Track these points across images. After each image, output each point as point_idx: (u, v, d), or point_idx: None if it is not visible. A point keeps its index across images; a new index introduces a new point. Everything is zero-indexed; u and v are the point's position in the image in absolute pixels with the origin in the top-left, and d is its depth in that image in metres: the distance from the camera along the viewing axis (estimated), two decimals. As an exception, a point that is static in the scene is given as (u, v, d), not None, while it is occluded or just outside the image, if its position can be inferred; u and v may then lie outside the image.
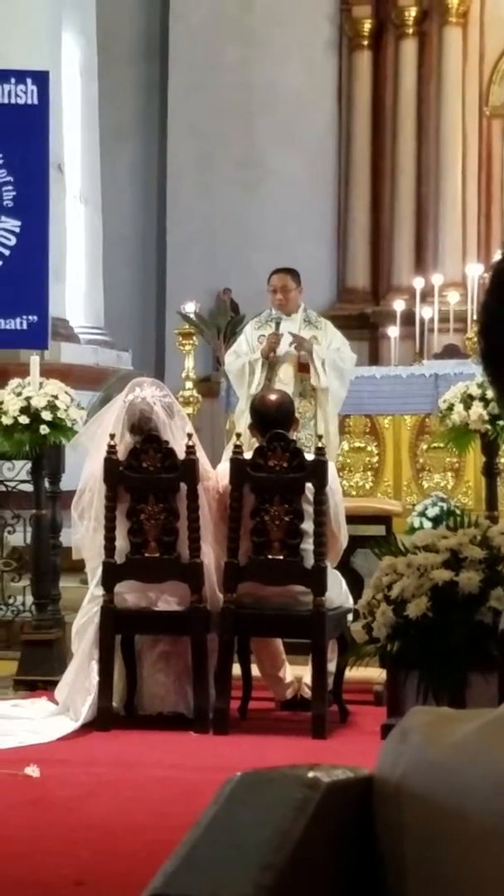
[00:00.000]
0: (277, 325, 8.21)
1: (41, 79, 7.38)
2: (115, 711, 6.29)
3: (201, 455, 6.31)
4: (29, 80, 7.32)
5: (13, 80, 7.31)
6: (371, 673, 6.03)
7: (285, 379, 8.16)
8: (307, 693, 6.32)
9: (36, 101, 7.28)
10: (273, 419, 6.26)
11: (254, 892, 0.90)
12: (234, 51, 16.27)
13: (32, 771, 5.29)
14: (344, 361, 8.31)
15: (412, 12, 15.87)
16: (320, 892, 0.98)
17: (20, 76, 7.38)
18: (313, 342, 8.16)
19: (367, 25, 16.11)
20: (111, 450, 6.18)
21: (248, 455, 6.16)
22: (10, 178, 7.21)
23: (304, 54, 16.27)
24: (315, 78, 16.29)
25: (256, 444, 6.24)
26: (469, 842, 0.99)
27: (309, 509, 6.07)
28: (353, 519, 6.65)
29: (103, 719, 6.16)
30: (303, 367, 8.21)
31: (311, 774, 1.02)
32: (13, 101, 7.27)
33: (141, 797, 5.05)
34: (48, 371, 7.66)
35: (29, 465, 7.24)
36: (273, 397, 6.55)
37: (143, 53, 16.68)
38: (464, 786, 1.00)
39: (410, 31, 15.93)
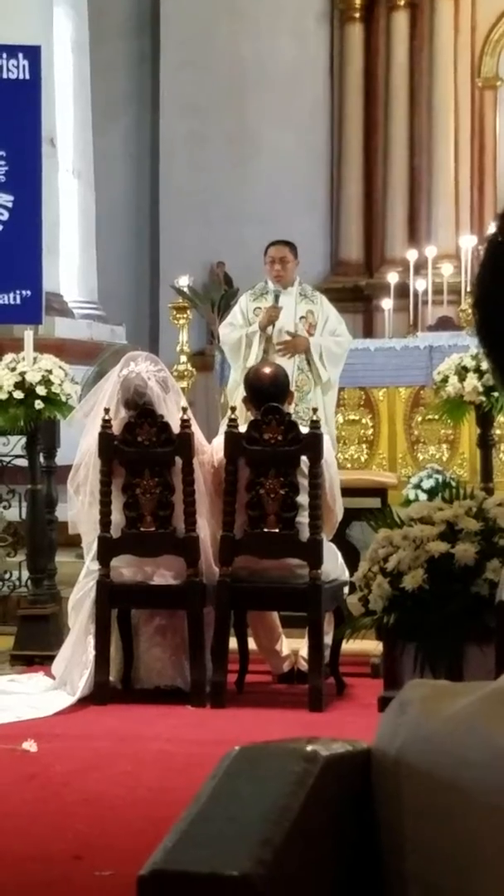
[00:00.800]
0: (276, 298, 8.19)
1: (33, 53, 7.34)
2: (111, 686, 6.30)
3: (196, 429, 6.31)
4: (20, 55, 7.28)
5: (5, 56, 7.27)
6: (368, 645, 6.04)
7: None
8: (304, 666, 6.33)
9: (28, 76, 7.25)
10: (268, 392, 6.25)
11: (253, 866, 0.91)
12: (226, 25, 16.20)
13: (30, 746, 5.30)
14: (339, 345, 8.28)
15: (404, -17, 15.81)
16: (319, 866, 0.98)
17: (11, 51, 7.34)
18: (308, 341, 8.10)
19: (358, -3, 16.05)
20: (106, 424, 6.18)
21: (242, 428, 6.16)
22: (2, 153, 7.18)
23: (295, 28, 16.21)
24: (307, 51, 16.23)
25: (251, 418, 6.23)
26: (468, 814, 0.99)
27: (304, 482, 6.08)
28: (348, 492, 6.65)
29: (100, 694, 6.17)
30: (288, 347, 8.17)
31: (309, 748, 1.02)
32: (5, 76, 7.23)
33: (138, 771, 5.06)
34: (42, 346, 7.65)
35: (24, 440, 7.23)
36: (267, 370, 6.54)
37: (135, 28, 16.61)
38: (462, 758, 1.00)
39: (402, 2, 15.87)
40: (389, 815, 1.03)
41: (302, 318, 8.23)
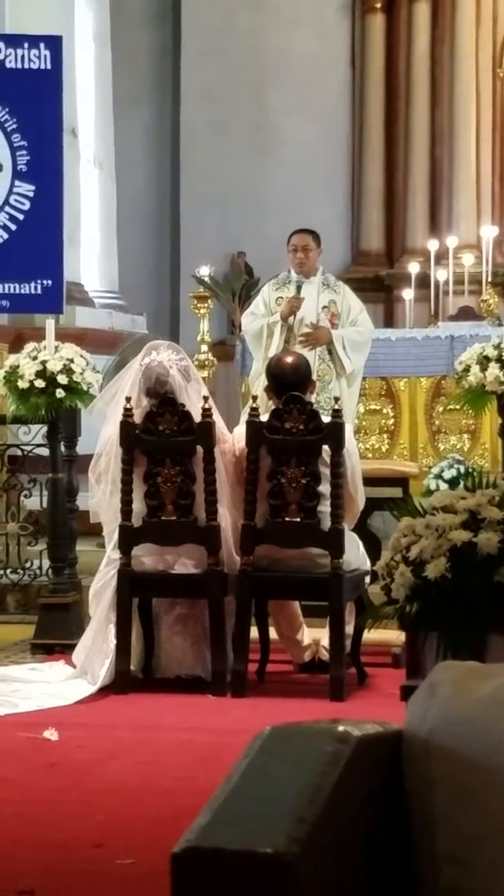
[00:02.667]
0: (298, 288, 8.18)
1: (54, 43, 7.34)
2: (132, 675, 6.30)
3: (217, 418, 6.30)
4: (42, 45, 7.28)
5: (26, 45, 7.27)
6: (389, 635, 6.02)
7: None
8: (325, 655, 6.32)
9: (49, 66, 7.24)
10: (289, 382, 6.24)
11: (287, 844, 0.90)
12: (247, 15, 16.17)
13: (51, 734, 5.31)
14: (361, 334, 8.28)
15: (425, -26, 15.77)
16: (352, 845, 0.98)
17: (33, 41, 7.34)
18: (330, 333, 8.10)
19: (379, -12, 16.01)
20: (127, 413, 6.18)
21: (264, 417, 6.15)
22: (24, 143, 7.18)
23: (316, 18, 16.18)
24: (328, 42, 16.20)
25: (273, 407, 6.22)
26: (498, 794, 0.99)
27: (326, 472, 6.07)
28: (369, 481, 6.64)
29: (121, 682, 6.17)
30: (310, 339, 8.16)
31: (341, 728, 1.01)
32: (27, 66, 7.23)
33: (159, 760, 5.06)
34: (63, 335, 7.65)
35: (45, 429, 7.23)
36: (289, 359, 6.53)
37: (156, 18, 16.60)
38: (493, 739, 1.00)
39: (424, -8, 15.82)
40: (421, 794, 1.03)
41: (324, 307, 8.23)
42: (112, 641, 6.23)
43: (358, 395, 8.61)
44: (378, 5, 16.06)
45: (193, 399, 6.28)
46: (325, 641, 6.27)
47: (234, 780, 0.98)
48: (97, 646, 6.29)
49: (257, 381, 7.97)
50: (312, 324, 8.11)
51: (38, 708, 5.85)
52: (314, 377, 6.80)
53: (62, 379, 6.93)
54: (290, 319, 8.14)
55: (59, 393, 6.93)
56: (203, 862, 0.91)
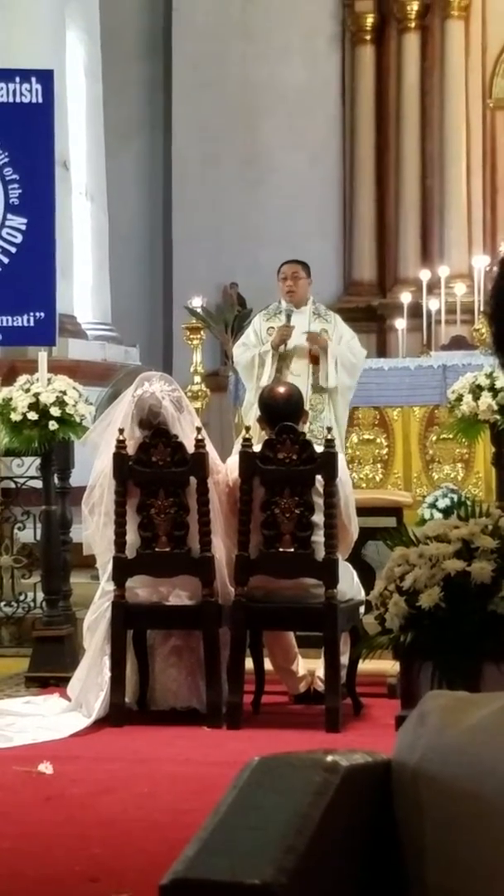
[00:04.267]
0: (288, 317, 8.22)
1: (45, 77, 7.38)
2: (127, 707, 6.28)
3: (210, 449, 6.30)
4: (33, 79, 7.32)
5: (18, 80, 7.31)
6: (384, 665, 6.01)
7: (297, 371, 8.17)
8: (320, 686, 6.31)
9: (40, 100, 7.28)
10: (282, 412, 6.25)
11: (275, 874, 0.90)
12: (237, 47, 16.26)
13: (46, 768, 5.29)
14: (355, 356, 8.35)
15: (414, 6, 15.87)
16: (341, 875, 0.98)
17: (25, 75, 7.38)
18: (327, 340, 8.17)
19: (369, 20, 16.10)
20: (120, 445, 6.18)
21: (257, 448, 6.16)
22: (16, 176, 7.21)
23: (306, 50, 16.26)
24: (318, 73, 16.29)
25: (265, 437, 6.23)
26: (488, 823, 0.99)
27: (319, 501, 6.06)
28: (363, 511, 6.64)
29: (116, 715, 6.15)
30: (315, 360, 8.23)
31: (329, 758, 1.01)
32: (18, 99, 7.27)
33: (155, 793, 5.04)
34: (56, 367, 7.66)
35: (38, 461, 7.24)
36: (282, 390, 6.54)
37: (147, 51, 16.68)
38: (482, 768, 0.99)
39: (413, 24, 15.91)
40: (410, 824, 1.02)
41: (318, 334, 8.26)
42: (107, 674, 6.21)
43: (347, 416, 8.61)
44: (367, 37, 16.15)
45: (186, 430, 6.29)
46: (321, 672, 6.26)
47: (222, 810, 0.98)
48: (92, 678, 6.28)
49: (250, 412, 7.99)
50: (308, 332, 8.16)
51: (32, 741, 5.83)
52: (306, 407, 6.81)
53: (55, 411, 6.93)
54: (281, 348, 8.17)
55: (53, 425, 6.93)
56: (191, 893, 0.91)
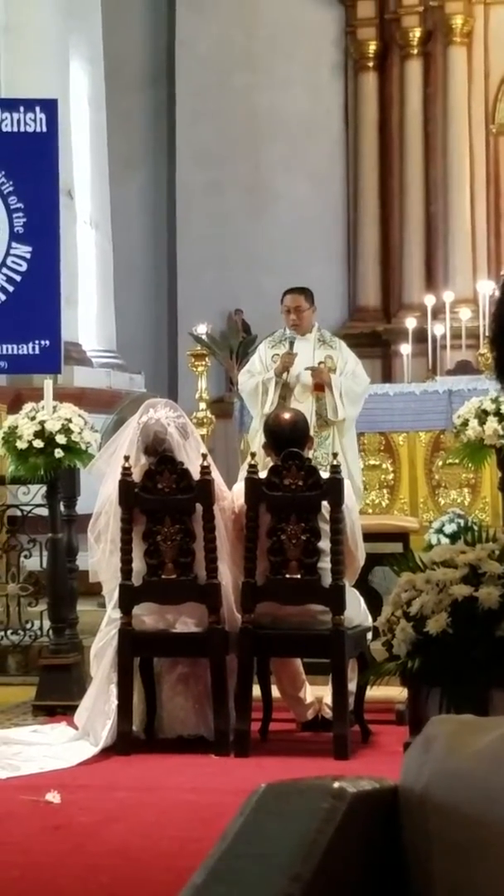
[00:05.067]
0: (291, 344, 8.23)
1: (50, 107, 7.40)
2: (134, 735, 6.26)
3: (216, 475, 6.30)
4: (37, 109, 7.34)
5: (22, 109, 7.34)
6: (392, 692, 6.00)
7: (301, 398, 8.18)
8: (328, 713, 6.28)
9: (45, 129, 7.31)
10: (287, 438, 6.25)
11: (282, 902, 0.90)
12: (240, 76, 16.33)
13: (53, 797, 5.27)
14: (359, 384, 8.35)
15: (416, 33, 15.94)
16: (348, 903, 0.97)
17: (29, 105, 7.41)
18: (330, 375, 8.18)
19: (371, 47, 16.18)
20: (126, 472, 6.18)
21: (263, 474, 6.15)
22: (20, 205, 7.23)
23: (309, 78, 16.34)
24: (321, 100, 16.35)
25: (271, 464, 6.22)
26: (495, 849, 0.98)
27: (325, 528, 6.05)
28: (369, 537, 6.63)
29: (123, 743, 6.13)
30: (318, 387, 8.23)
31: (336, 785, 1.01)
32: (22, 129, 7.29)
33: (163, 822, 5.02)
34: (61, 395, 7.66)
35: (44, 488, 7.23)
36: (287, 416, 6.54)
37: (150, 80, 16.75)
38: (489, 793, 0.99)
39: (415, 51, 15.99)
40: (417, 850, 1.02)
41: (320, 363, 8.27)
42: (114, 702, 6.19)
43: (355, 447, 8.62)
44: (370, 64, 16.21)
45: (192, 456, 6.28)
46: (328, 699, 6.24)
47: (229, 838, 0.97)
48: (99, 707, 6.26)
49: (256, 438, 7.99)
50: (311, 368, 8.17)
51: (39, 770, 5.81)
52: (311, 433, 6.81)
53: (61, 439, 6.93)
54: (285, 375, 8.19)
55: (58, 453, 6.93)
56: (197, 922, 0.91)
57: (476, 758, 1.01)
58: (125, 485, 6.17)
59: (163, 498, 6.17)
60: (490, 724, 1.07)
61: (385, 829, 1.04)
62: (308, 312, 8.37)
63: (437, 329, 13.76)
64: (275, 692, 6.48)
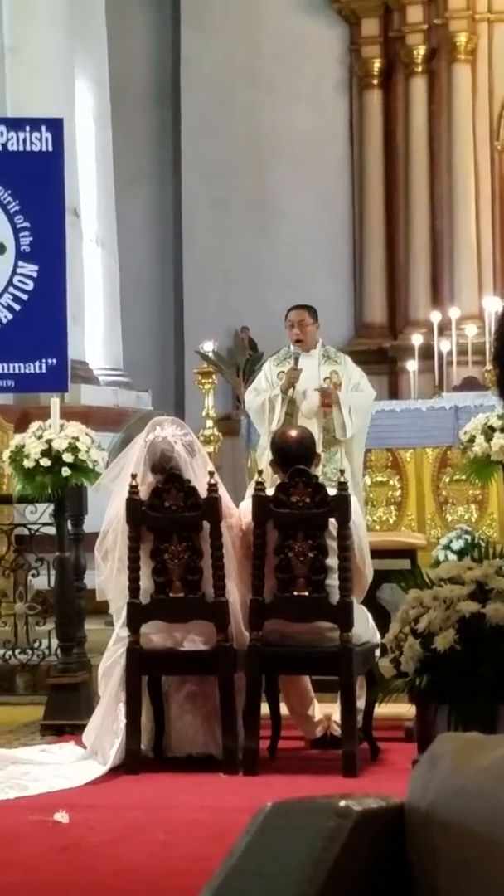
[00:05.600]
0: (296, 360, 8.25)
1: (55, 126, 7.43)
2: (143, 754, 6.25)
3: (223, 493, 6.30)
4: (43, 128, 7.37)
5: (28, 129, 7.36)
6: (401, 709, 5.98)
7: (308, 414, 8.19)
8: (337, 731, 6.27)
9: (51, 148, 7.33)
10: (294, 455, 6.24)
11: (287, 921, 0.89)
12: (245, 94, 16.37)
13: (62, 817, 5.26)
14: (365, 397, 8.38)
15: (421, 51, 15.97)
16: (354, 921, 0.97)
17: (35, 124, 7.43)
18: (337, 394, 8.20)
19: (376, 65, 16.22)
20: (133, 490, 6.18)
21: (270, 491, 6.15)
22: (26, 224, 7.24)
23: (314, 95, 16.37)
24: (326, 118, 16.38)
25: (278, 481, 6.22)
26: (501, 867, 0.98)
27: (333, 545, 6.05)
28: (377, 553, 6.62)
29: (132, 762, 6.12)
30: (324, 403, 8.25)
31: (342, 803, 1.00)
32: (28, 148, 7.31)
33: (171, 841, 5.00)
34: (68, 413, 7.67)
35: (51, 507, 7.23)
36: (294, 433, 6.54)
37: (156, 99, 16.80)
38: (494, 810, 0.98)
39: (419, 69, 16.02)
40: (424, 867, 1.01)
41: (326, 379, 8.28)
42: (122, 721, 6.18)
43: (362, 462, 8.63)
44: (375, 81, 16.25)
45: (199, 474, 6.28)
46: (337, 716, 6.23)
47: (235, 857, 0.97)
48: (107, 725, 6.25)
49: (264, 456, 8.00)
50: (318, 389, 8.19)
51: (48, 790, 5.79)
52: (319, 450, 6.81)
53: (68, 457, 6.94)
54: (290, 391, 8.20)
55: (65, 471, 6.93)
56: (203, 942, 0.90)
57: (482, 775, 1.01)
58: (132, 503, 6.17)
59: (170, 516, 6.17)
60: (496, 742, 1.06)
61: (391, 847, 1.04)
62: (312, 328, 8.39)
63: (444, 345, 13.76)
64: (283, 710, 6.47)
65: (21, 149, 7.31)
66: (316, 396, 8.23)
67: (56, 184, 7.35)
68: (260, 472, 6.38)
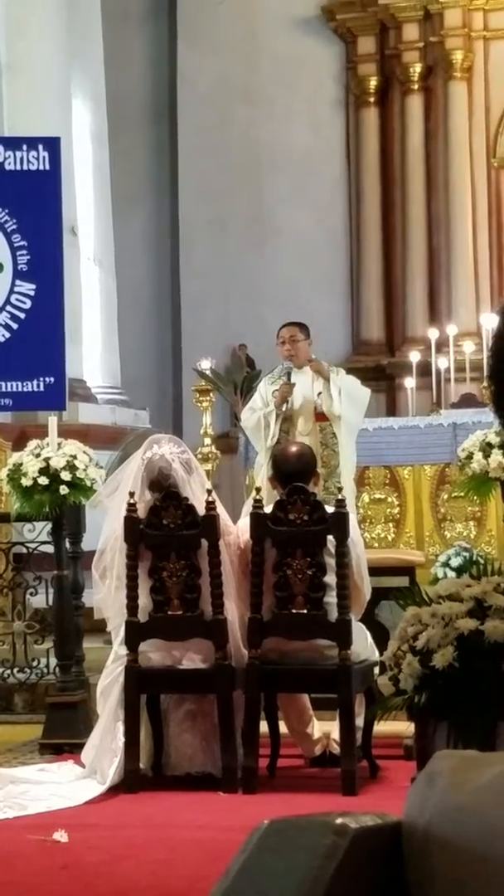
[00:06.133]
0: (288, 375, 8.28)
1: (52, 145, 7.44)
2: (142, 773, 6.23)
3: (221, 510, 6.29)
4: (40, 147, 7.38)
5: (25, 147, 7.37)
6: (400, 726, 5.97)
7: (304, 430, 8.20)
8: (336, 749, 6.26)
9: (48, 167, 7.34)
10: (293, 470, 6.24)
11: (284, 941, 0.89)
12: (242, 112, 16.41)
13: (61, 836, 5.24)
14: (360, 389, 8.42)
15: (417, 68, 16.02)
16: (352, 940, 0.96)
17: (32, 143, 7.44)
18: (327, 368, 8.29)
19: (372, 83, 16.26)
20: (131, 508, 6.17)
21: (268, 509, 6.15)
22: (24, 243, 7.25)
23: (310, 113, 16.41)
24: (322, 135, 16.42)
25: (277, 496, 6.22)
26: (498, 885, 0.97)
27: (331, 562, 6.04)
28: (375, 571, 6.62)
29: (131, 781, 6.10)
30: (320, 417, 8.26)
31: (339, 821, 1.00)
32: (25, 167, 7.33)
33: (171, 860, 4.99)
34: (66, 431, 7.67)
35: (49, 525, 7.23)
36: (293, 449, 6.54)
37: (152, 117, 16.84)
38: (491, 829, 0.98)
39: (416, 86, 16.06)
40: (421, 886, 1.01)
41: (320, 393, 8.30)
42: (120, 739, 6.17)
43: (354, 462, 8.62)
44: (371, 99, 16.29)
45: (196, 492, 6.28)
46: (336, 734, 6.22)
47: (231, 875, 0.97)
48: (106, 744, 6.24)
49: (261, 473, 8.01)
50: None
51: (47, 809, 5.78)
52: (318, 467, 6.81)
53: (66, 475, 6.94)
54: (284, 407, 8.23)
55: (63, 489, 6.93)
56: None
57: (479, 793, 1.01)
58: (130, 521, 6.17)
59: (168, 534, 6.16)
60: (493, 759, 1.06)
61: (388, 864, 1.03)
62: (303, 343, 8.42)
63: (441, 362, 13.77)
64: (282, 728, 6.46)
65: (18, 167, 7.32)
66: (310, 406, 8.24)
67: (53, 202, 7.36)
68: (258, 490, 6.38)
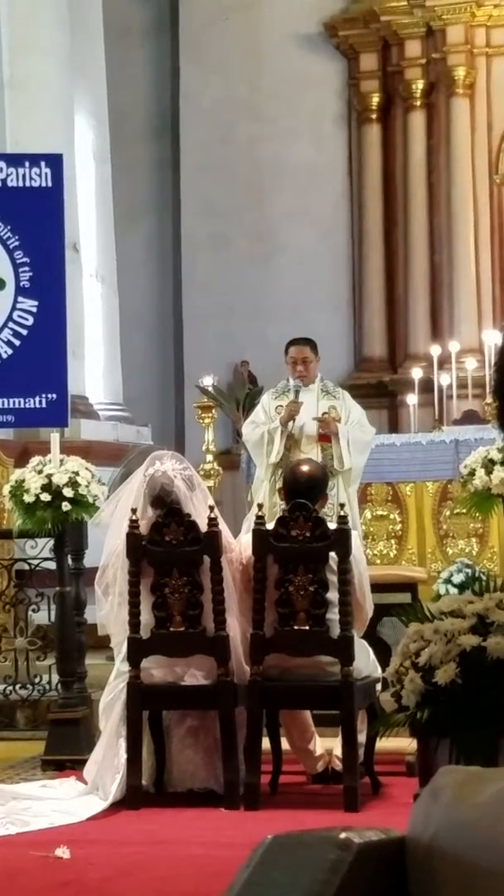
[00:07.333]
0: (296, 393, 8.25)
1: (55, 161, 7.46)
2: (144, 789, 6.23)
3: (223, 527, 6.29)
4: (43, 163, 7.40)
5: (27, 164, 7.39)
6: (402, 743, 5.96)
7: (306, 448, 8.19)
8: (338, 765, 6.25)
9: (50, 184, 7.36)
10: (301, 489, 6.24)
11: None
12: (245, 128, 16.44)
13: (63, 852, 5.23)
14: (365, 433, 8.37)
15: (419, 85, 16.05)
16: None
17: (34, 160, 7.46)
18: (337, 424, 8.20)
19: (375, 99, 16.29)
20: (133, 524, 6.17)
21: (270, 525, 6.15)
22: (26, 260, 7.26)
23: (313, 129, 16.44)
24: (325, 152, 16.45)
25: (279, 512, 6.22)
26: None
27: (333, 579, 6.04)
28: (378, 587, 6.61)
29: (133, 798, 6.10)
30: (323, 437, 8.24)
31: (343, 836, 1.00)
32: (28, 184, 7.34)
33: (173, 876, 4.98)
34: (68, 448, 7.68)
35: (51, 542, 7.23)
36: (306, 468, 6.53)
37: (155, 133, 16.86)
38: (494, 843, 0.98)
39: (418, 103, 16.08)
40: (425, 902, 1.01)
41: (325, 413, 8.28)
42: (123, 756, 6.16)
43: (357, 497, 8.61)
44: (373, 115, 16.32)
45: (199, 508, 6.28)
46: (338, 751, 6.21)
47: (235, 890, 0.97)
48: (108, 761, 6.23)
49: (260, 489, 8.01)
50: (317, 418, 8.20)
51: (49, 826, 5.77)
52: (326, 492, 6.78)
53: (68, 492, 6.94)
54: (290, 425, 8.21)
55: (65, 506, 6.93)
56: None
57: (482, 808, 1.01)
58: (132, 537, 6.17)
59: (170, 550, 6.17)
60: (497, 775, 1.06)
61: (392, 879, 1.03)
62: (314, 364, 8.40)
63: (444, 379, 13.77)
64: (284, 744, 6.45)
65: (20, 184, 7.34)
66: (314, 426, 8.23)
67: (55, 219, 7.37)
68: (260, 507, 6.38)
